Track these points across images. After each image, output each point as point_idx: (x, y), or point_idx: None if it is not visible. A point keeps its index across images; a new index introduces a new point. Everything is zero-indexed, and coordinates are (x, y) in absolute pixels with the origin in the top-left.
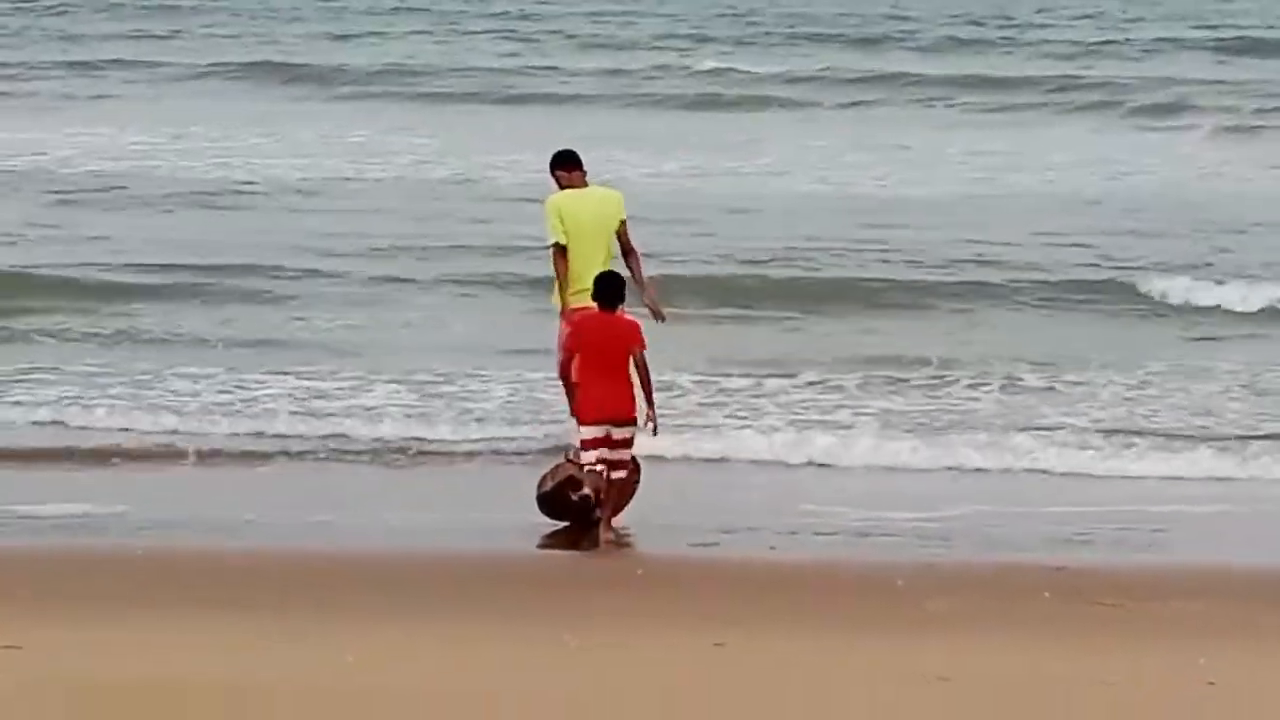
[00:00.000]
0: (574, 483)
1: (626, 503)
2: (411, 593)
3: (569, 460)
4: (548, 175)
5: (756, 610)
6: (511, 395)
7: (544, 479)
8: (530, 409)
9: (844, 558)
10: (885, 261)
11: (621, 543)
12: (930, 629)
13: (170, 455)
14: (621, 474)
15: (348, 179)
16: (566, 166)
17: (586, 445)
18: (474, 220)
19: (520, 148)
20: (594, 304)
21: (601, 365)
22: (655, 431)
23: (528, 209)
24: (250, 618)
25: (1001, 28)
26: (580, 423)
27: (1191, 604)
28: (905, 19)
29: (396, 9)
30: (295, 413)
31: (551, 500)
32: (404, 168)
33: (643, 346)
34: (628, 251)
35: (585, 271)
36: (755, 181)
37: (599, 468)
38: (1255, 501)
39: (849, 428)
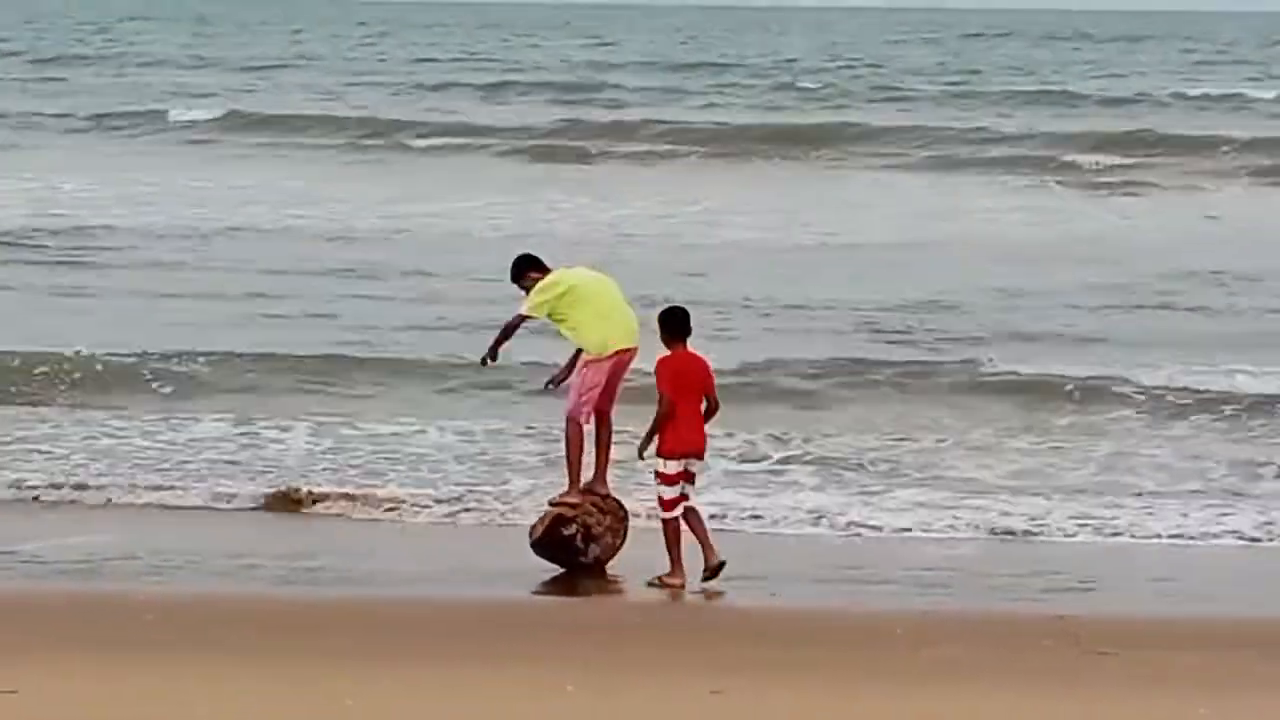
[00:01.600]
0: (563, 520)
1: (619, 548)
2: (410, 639)
3: (552, 504)
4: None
5: (755, 658)
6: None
7: (534, 527)
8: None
9: (843, 605)
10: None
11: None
12: (930, 677)
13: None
14: (692, 503)
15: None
16: (537, 269)
17: (668, 480)
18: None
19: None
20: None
21: (685, 402)
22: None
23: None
24: (249, 663)
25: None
26: (663, 456)
27: (1192, 654)
28: (850, 66)
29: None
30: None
31: (546, 543)
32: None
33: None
34: None
35: (613, 313)
36: (687, 229)
37: (679, 510)
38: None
39: (824, 486)
